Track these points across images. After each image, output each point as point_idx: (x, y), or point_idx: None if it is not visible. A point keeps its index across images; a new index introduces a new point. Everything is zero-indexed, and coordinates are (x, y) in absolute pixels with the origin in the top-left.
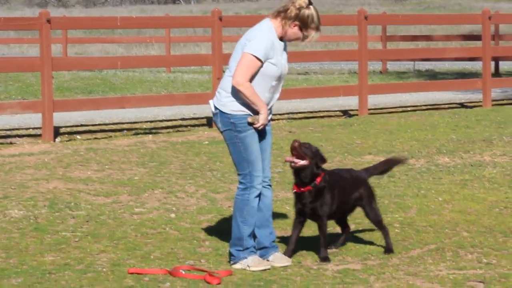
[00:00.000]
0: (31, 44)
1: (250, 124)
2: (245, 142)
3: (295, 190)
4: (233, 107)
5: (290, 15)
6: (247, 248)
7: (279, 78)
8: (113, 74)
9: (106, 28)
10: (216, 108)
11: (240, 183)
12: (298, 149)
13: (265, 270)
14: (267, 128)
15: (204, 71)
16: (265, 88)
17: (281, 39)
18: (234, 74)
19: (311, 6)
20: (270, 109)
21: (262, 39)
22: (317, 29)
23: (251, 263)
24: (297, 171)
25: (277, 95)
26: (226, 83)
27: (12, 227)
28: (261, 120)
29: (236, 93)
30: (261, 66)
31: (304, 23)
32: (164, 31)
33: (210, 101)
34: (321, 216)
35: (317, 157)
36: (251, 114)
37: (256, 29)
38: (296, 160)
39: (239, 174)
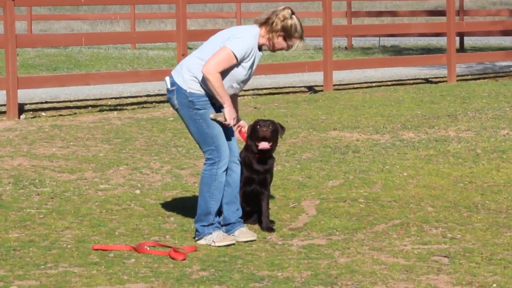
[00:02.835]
0: None
1: (216, 120)
2: (206, 117)
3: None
4: (192, 86)
5: (276, 28)
6: (212, 224)
7: (242, 82)
8: (78, 51)
9: (70, 5)
10: (172, 84)
11: (207, 159)
12: (268, 135)
13: (230, 245)
14: None
15: (169, 48)
16: (226, 85)
17: (260, 48)
18: (207, 61)
19: (293, 16)
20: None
21: (246, 41)
22: (301, 38)
23: (216, 238)
24: (266, 151)
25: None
26: (194, 66)
27: None
28: (226, 115)
29: (203, 80)
30: (235, 66)
31: (288, 33)
32: (129, 7)
33: (166, 78)
34: (268, 185)
35: (279, 131)
36: (209, 95)
37: (244, 29)
38: (269, 145)
39: (205, 151)
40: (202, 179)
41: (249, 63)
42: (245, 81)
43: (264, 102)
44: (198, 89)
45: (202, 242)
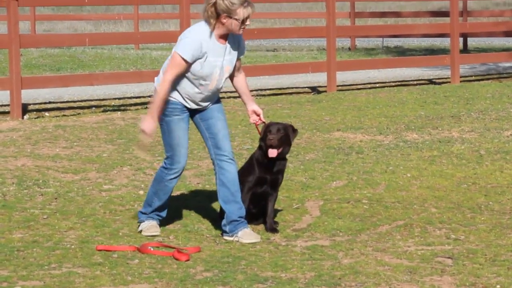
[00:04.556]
0: None
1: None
2: (169, 126)
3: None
4: None
5: (213, 15)
6: (147, 214)
7: (206, 78)
8: (81, 51)
9: (74, 5)
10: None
11: (164, 162)
12: (276, 143)
13: (153, 236)
14: (214, 106)
15: (172, 48)
16: (195, 84)
17: (226, 38)
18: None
19: None
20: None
21: (189, 40)
22: (243, 5)
23: (145, 227)
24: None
25: (215, 94)
26: (165, 67)
27: None
28: (141, 124)
29: (174, 81)
30: (190, 66)
31: (228, 11)
32: (132, 8)
33: (156, 78)
34: (278, 186)
35: (290, 136)
36: (182, 102)
37: (191, 29)
38: (279, 151)
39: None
40: (156, 175)
41: (204, 58)
42: (213, 78)
43: (268, 102)
44: (171, 96)
45: (140, 227)
